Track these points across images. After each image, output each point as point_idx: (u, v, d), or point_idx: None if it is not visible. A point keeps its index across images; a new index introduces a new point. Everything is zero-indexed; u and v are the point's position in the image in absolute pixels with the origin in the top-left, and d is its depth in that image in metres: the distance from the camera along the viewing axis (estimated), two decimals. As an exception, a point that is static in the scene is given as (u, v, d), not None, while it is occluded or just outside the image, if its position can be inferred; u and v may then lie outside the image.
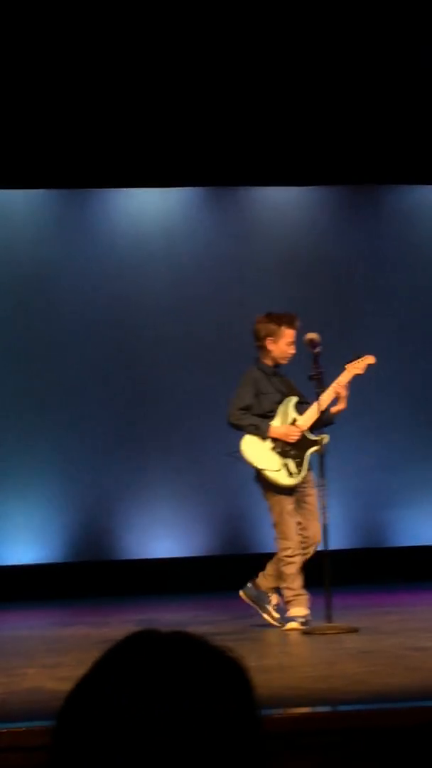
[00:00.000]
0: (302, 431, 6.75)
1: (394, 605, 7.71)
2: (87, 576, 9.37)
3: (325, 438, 6.71)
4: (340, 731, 3.48)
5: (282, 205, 10.06)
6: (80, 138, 9.38)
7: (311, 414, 6.75)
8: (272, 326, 6.80)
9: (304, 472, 6.72)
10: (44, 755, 1.08)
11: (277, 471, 6.68)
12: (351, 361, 6.86)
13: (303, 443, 6.75)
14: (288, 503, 6.68)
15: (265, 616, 6.75)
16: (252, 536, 9.34)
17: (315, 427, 6.74)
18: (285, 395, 6.85)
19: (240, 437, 6.76)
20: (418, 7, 8.68)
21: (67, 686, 1.10)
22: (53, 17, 8.45)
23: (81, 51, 8.79)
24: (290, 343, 6.80)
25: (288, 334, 6.79)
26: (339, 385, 6.74)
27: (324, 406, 6.71)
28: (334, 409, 6.80)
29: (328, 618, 6.32)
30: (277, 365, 6.88)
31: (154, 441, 9.62)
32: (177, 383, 9.65)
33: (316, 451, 6.70)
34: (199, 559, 9.48)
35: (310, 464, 6.75)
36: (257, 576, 6.86)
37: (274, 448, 6.72)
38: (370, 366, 6.89)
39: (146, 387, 9.67)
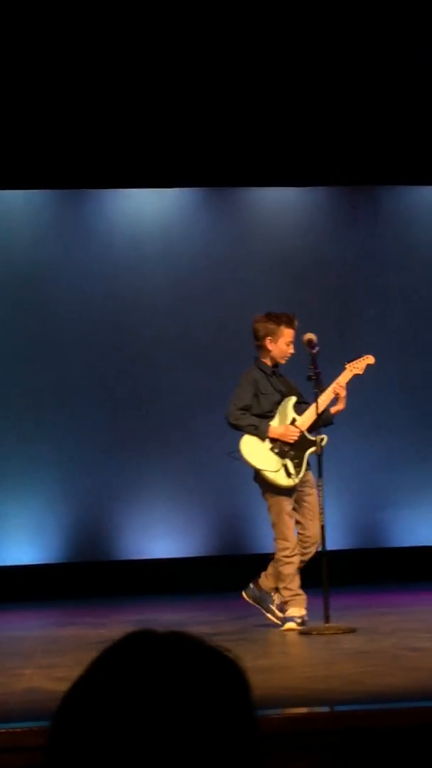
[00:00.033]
0: (301, 431, 6.74)
1: (391, 606, 7.71)
2: (85, 576, 9.36)
3: (324, 439, 6.71)
4: (338, 731, 3.48)
5: (279, 205, 10.06)
6: (77, 138, 9.37)
7: (310, 414, 6.75)
8: (271, 326, 6.80)
9: (302, 473, 6.72)
10: (41, 756, 1.08)
11: (275, 471, 6.67)
12: (351, 361, 6.85)
13: (302, 443, 6.75)
14: (287, 503, 6.68)
15: (269, 616, 6.75)
16: (250, 536, 9.33)
17: (314, 428, 6.73)
18: (284, 395, 6.85)
19: (239, 437, 6.76)
20: (416, 7, 8.68)
21: (64, 687, 1.10)
22: (53, 19, 8.44)
23: (79, 52, 8.78)
24: (289, 342, 6.80)
25: (287, 334, 6.79)
26: (338, 385, 6.74)
27: (323, 406, 6.71)
28: (333, 409, 6.80)
29: (326, 618, 6.32)
30: (276, 365, 6.88)
31: (152, 441, 9.61)
32: (175, 383, 9.65)
33: (313, 452, 6.69)
34: (197, 559, 9.48)
35: (309, 464, 6.75)
36: (259, 576, 6.86)
37: (272, 449, 6.72)
38: (369, 366, 6.89)
39: (144, 387, 9.66)
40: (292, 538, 6.65)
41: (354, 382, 6.82)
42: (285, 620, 6.59)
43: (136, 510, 9.54)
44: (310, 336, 6.68)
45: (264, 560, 6.96)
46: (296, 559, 6.64)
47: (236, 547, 9.48)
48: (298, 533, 6.73)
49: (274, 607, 6.75)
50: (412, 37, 8.96)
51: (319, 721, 3.65)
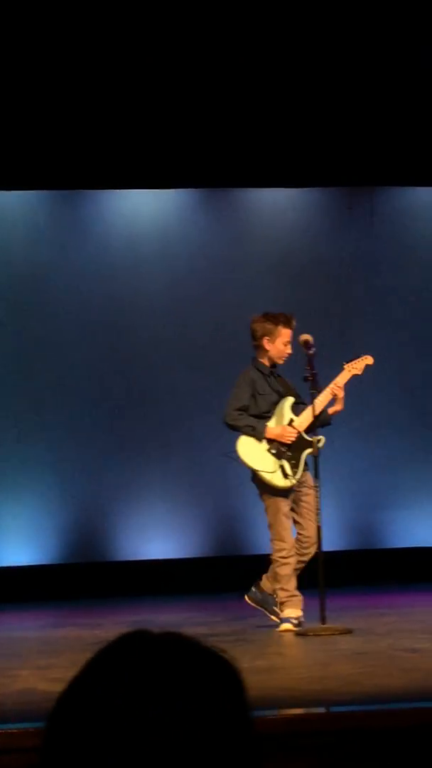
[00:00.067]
0: (299, 432, 6.73)
1: (388, 606, 7.71)
2: (81, 577, 9.35)
3: (322, 440, 6.69)
4: (335, 732, 3.48)
5: (276, 206, 10.06)
6: (74, 139, 9.37)
7: (307, 415, 6.74)
8: (269, 326, 6.79)
9: (299, 474, 6.70)
10: (37, 757, 1.07)
11: (272, 473, 6.66)
12: (350, 361, 6.84)
13: (300, 444, 6.73)
14: (284, 504, 6.67)
15: (273, 618, 6.73)
16: (247, 537, 9.33)
17: (312, 428, 6.72)
18: (282, 395, 6.83)
19: (236, 438, 6.75)
20: (414, 9, 8.68)
21: (59, 688, 1.10)
22: (52, 20, 8.44)
23: (75, 53, 8.78)
24: (287, 342, 6.79)
25: (285, 334, 6.77)
26: (336, 386, 6.73)
27: (320, 407, 6.70)
28: (331, 410, 6.79)
29: (323, 619, 6.32)
30: (274, 365, 6.87)
31: (149, 442, 9.61)
32: (172, 384, 9.65)
33: (310, 453, 6.68)
34: (193, 560, 9.47)
35: (306, 465, 6.74)
36: (260, 579, 6.84)
37: (269, 450, 6.70)
38: (367, 366, 6.88)
39: (141, 388, 9.66)
40: (288, 539, 6.64)
41: (352, 383, 6.81)
42: (281, 621, 6.58)
43: (132, 511, 9.53)
44: (306, 337, 6.67)
45: (261, 561, 6.95)
46: (293, 560, 6.63)
47: (233, 548, 9.47)
48: (297, 533, 6.72)
49: (277, 609, 6.73)
50: (408, 39, 8.96)
51: (316, 722, 3.64)
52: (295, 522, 6.73)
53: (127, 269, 9.75)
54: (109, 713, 1.02)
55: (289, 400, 6.83)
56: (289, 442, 6.71)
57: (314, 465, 6.56)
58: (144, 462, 9.58)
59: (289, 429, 6.73)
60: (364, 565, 9.55)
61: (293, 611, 6.56)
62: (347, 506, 9.62)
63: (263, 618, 6.77)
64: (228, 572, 9.02)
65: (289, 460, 6.68)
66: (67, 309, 9.65)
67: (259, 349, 6.85)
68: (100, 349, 9.66)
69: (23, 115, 9.21)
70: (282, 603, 6.62)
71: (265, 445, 6.71)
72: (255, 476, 6.73)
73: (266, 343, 6.79)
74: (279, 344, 6.78)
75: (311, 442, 6.68)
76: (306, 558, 6.68)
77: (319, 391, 6.68)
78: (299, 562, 6.69)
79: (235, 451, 6.72)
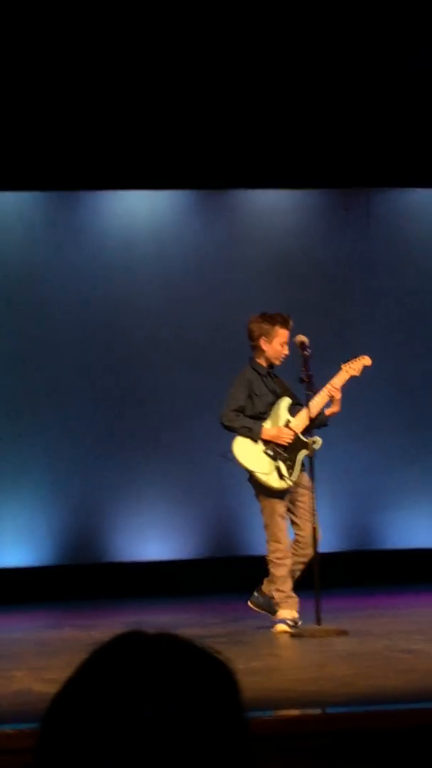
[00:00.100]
0: (295, 433, 6.73)
1: (383, 607, 7.71)
2: (78, 578, 9.34)
3: (318, 441, 6.69)
4: (330, 733, 3.47)
5: (272, 207, 10.06)
6: (70, 140, 9.36)
7: (303, 416, 6.73)
8: (266, 326, 6.78)
9: (296, 475, 6.70)
10: (32, 757, 1.07)
11: (267, 474, 6.65)
12: (347, 362, 6.84)
13: (296, 445, 6.73)
14: (279, 505, 6.66)
15: None
16: (243, 539, 9.33)
17: (308, 429, 6.71)
18: (279, 396, 6.83)
19: (233, 439, 6.74)
20: (410, 11, 8.69)
21: (55, 689, 1.09)
22: (50, 21, 8.43)
23: (72, 53, 8.77)
24: (284, 343, 6.78)
25: (282, 334, 6.77)
26: (332, 387, 6.72)
27: (317, 408, 6.69)
28: (328, 411, 6.79)
29: (318, 620, 6.31)
30: (270, 365, 6.86)
31: (145, 443, 9.60)
32: (168, 385, 9.64)
33: (305, 455, 6.68)
34: (190, 561, 9.46)
35: (303, 466, 6.73)
36: (262, 583, 6.82)
37: (266, 451, 6.70)
38: (365, 367, 6.87)
39: (137, 388, 9.66)
40: (284, 540, 6.63)
41: (349, 384, 6.81)
42: (276, 622, 6.57)
43: (128, 512, 9.53)
44: (302, 338, 6.67)
45: (258, 562, 6.94)
46: (288, 561, 6.62)
47: (230, 549, 9.47)
48: (295, 534, 6.71)
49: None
50: (404, 41, 8.96)
51: (311, 723, 3.64)
52: (293, 523, 6.72)
53: (123, 270, 9.75)
54: (103, 714, 1.02)
55: (286, 401, 6.82)
56: (286, 443, 6.70)
57: (310, 466, 6.55)
58: (141, 463, 9.57)
59: (286, 430, 6.72)
60: (359, 566, 9.55)
61: (289, 612, 6.55)
62: (343, 507, 9.62)
63: (259, 619, 6.76)
64: (225, 573, 9.02)
65: (285, 462, 6.68)
66: (64, 309, 9.64)
67: (256, 349, 6.84)
68: (96, 349, 9.65)
69: (19, 116, 9.20)
70: (277, 604, 6.61)
71: (261, 446, 6.71)
72: (251, 477, 6.73)
73: (263, 344, 6.79)
74: (276, 345, 6.77)
75: (307, 443, 6.67)
76: (305, 560, 6.66)
77: (315, 393, 6.68)
78: (298, 563, 6.68)
79: (231, 452, 6.72)
